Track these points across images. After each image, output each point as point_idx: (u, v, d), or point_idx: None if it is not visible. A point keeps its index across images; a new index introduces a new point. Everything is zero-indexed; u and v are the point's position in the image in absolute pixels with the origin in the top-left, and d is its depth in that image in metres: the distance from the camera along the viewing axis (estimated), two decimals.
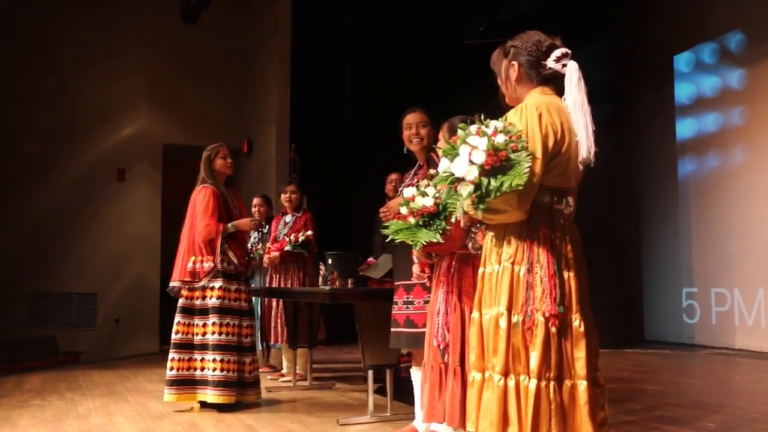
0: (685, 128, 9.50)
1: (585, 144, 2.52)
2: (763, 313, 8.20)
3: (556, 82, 2.66)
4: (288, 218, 6.76)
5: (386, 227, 3.20)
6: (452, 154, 2.43)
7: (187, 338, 4.93)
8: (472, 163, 2.35)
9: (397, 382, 4.84)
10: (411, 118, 4.06)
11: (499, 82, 2.79)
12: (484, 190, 2.34)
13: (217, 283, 4.96)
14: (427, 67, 9.96)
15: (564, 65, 2.62)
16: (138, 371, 7.26)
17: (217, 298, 4.94)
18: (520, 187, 2.32)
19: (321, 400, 5.45)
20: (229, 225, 5.06)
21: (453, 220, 2.71)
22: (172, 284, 5.02)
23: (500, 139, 2.37)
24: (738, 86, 8.76)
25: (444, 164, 2.45)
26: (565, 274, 2.50)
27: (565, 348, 2.45)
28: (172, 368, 4.90)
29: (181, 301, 4.97)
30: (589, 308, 2.56)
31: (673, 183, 9.63)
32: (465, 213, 2.56)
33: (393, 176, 6.24)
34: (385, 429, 4.25)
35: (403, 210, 2.76)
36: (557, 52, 2.64)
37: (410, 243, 2.71)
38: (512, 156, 2.35)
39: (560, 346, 2.44)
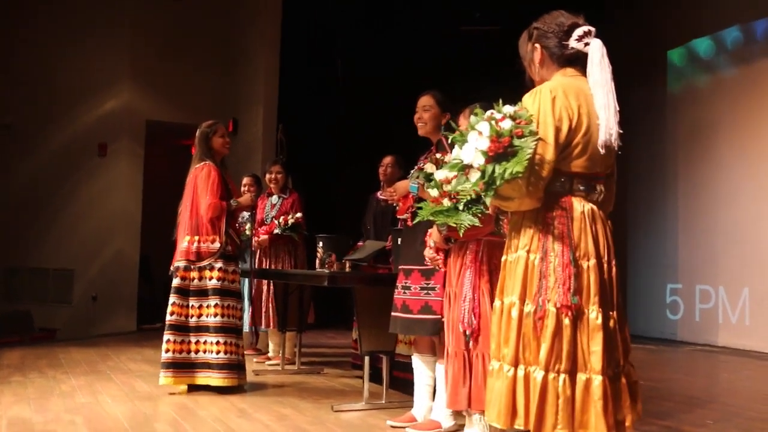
0: (676, 124, 9.48)
1: (605, 126, 2.45)
2: (748, 311, 8.21)
3: (580, 63, 2.57)
4: (274, 199, 6.61)
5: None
6: (461, 140, 2.38)
7: (182, 320, 4.77)
8: (478, 149, 2.30)
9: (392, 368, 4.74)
10: (419, 102, 4.03)
11: (525, 65, 2.71)
12: (488, 178, 2.28)
13: (218, 264, 4.82)
14: (418, 50, 9.84)
15: (587, 44, 2.54)
16: (119, 350, 7.09)
17: (218, 280, 4.80)
18: (520, 175, 2.26)
19: (310, 385, 5.35)
20: (231, 202, 4.92)
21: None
22: (176, 264, 4.83)
23: (506, 124, 2.30)
24: (730, 83, 8.74)
25: (455, 151, 2.41)
26: (584, 264, 2.41)
27: (580, 340, 2.36)
28: (168, 350, 4.73)
29: (176, 282, 4.80)
30: (619, 301, 2.48)
31: (661, 179, 9.61)
32: None
33: (387, 159, 6.07)
34: (381, 417, 4.16)
35: (434, 192, 2.65)
36: (579, 31, 2.56)
37: (454, 225, 2.61)
38: (516, 142, 2.29)
39: (574, 337, 2.36)
